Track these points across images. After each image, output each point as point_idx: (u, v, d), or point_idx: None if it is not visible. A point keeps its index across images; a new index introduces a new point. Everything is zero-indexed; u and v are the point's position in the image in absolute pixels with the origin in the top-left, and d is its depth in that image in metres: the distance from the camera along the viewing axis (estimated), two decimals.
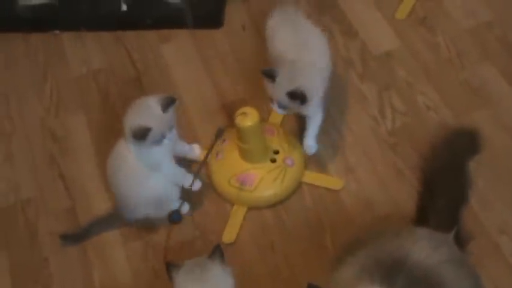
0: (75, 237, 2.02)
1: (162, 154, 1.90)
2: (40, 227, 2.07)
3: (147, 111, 1.85)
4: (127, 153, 1.88)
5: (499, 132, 2.05)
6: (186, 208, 2.01)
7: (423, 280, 1.44)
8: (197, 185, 2.00)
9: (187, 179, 1.99)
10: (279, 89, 1.91)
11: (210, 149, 2.01)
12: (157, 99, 1.85)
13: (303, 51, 2.00)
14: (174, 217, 1.98)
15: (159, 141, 1.85)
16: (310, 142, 2.07)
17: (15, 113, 2.36)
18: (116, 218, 2.01)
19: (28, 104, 2.38)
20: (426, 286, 1.44)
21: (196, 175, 1.97)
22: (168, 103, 1.84)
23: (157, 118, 1.84)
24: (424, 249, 1.51)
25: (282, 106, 1.95)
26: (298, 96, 1.90)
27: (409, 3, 2.39)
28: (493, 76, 2.18)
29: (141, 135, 1.81)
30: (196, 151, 2.10)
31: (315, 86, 1.96)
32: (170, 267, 1.61)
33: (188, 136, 2.14)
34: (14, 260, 2.02)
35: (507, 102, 2.12)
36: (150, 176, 1.91)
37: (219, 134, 2.02)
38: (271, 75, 1.91)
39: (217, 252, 1.62)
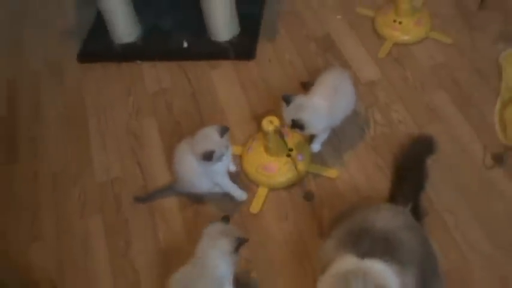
0: (143, 198, 2.05)
1: (220, 168, 1.89)
2: (123, 198, 2.09)
3: (210, 138, 1.83)
4: (191, 160, 1.87)
5: (448, 139, 2.05)
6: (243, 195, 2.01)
7: (385, 241, 1.43)
8: (243, 196, 1.98)
9: (237, 192, 1.97)
10: (288, 113, 1.87)
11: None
12: (215, 129, 1.84)
13: (332, 96, 1.91)
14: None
15: (220, 158, 1.84)
16: (316, 145, 2.07)
17: (109, 117, 2.37)
18: (171, 189, 2.03)
19: (118, 111, 2.39)
20: (387, 245, 1.43)
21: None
22: (223, 131, 1.84)
23: (217, 142, 1.82)
24: (385, 217, 1.50)
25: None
26: (298, 125, 1.87)
27: (387, 46, 2.39)
28: (444, 101, 2.17)
29: (209, 156, 1.81)
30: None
31: (316, 121, 1.88)
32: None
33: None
34: (106, 221, 2.04)
35: (454, 120, 2.12)
36: (205, 178, 1.91)
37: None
38: (287, 100, 1.87)
39: (225, 219, 1.68)
